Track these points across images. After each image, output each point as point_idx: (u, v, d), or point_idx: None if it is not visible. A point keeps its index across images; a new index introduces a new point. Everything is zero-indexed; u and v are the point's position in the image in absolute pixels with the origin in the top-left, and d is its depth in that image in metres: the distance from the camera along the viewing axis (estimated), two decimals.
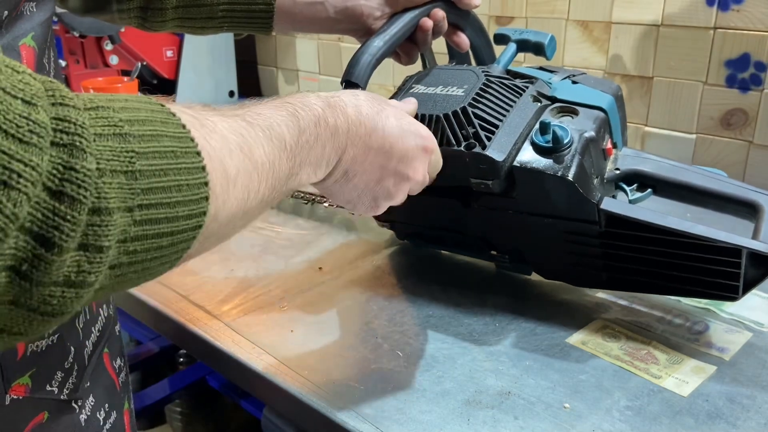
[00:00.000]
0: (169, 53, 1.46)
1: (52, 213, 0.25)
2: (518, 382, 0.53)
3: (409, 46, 0.70)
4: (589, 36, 1.05)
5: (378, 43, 0.63)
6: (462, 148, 0.58)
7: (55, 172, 0.25)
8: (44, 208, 0.25)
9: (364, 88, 0.61)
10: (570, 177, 0.56)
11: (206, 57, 1.52)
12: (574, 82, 0.65)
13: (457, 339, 0.59)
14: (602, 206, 0.57)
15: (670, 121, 1.00)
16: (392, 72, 1.23)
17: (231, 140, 0.36)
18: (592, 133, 0.59)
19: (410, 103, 0.57)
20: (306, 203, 0.92)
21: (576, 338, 0.59)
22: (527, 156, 0.58)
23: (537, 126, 0.59)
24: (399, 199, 0.51)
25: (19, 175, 0.24)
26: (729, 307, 0.64)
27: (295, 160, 0.42)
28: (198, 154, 0.32)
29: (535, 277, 0.69)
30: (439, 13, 0.68)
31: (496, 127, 0.59)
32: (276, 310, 0.65)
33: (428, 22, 0.67)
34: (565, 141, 0.57)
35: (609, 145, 0.63)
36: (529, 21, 1.11)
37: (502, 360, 0.56)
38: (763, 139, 0.92)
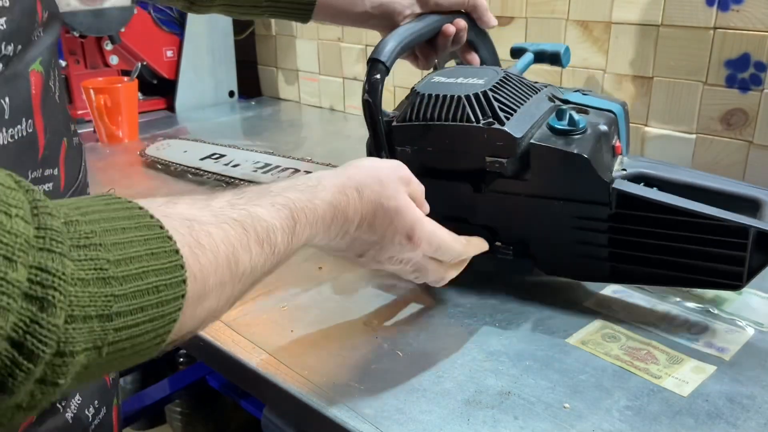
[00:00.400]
0: (169, 53, 1.46)
1: (10, 362, 0.26)
2: (518, 382, 0.53)
3: (427, 49, 0.75)
4: (589, 36, 1.05)
5: (404, 31, 0.69)
6: (481, 125, 0.61)
7: (21, 324, 0.26)
8: (4, 356, 0.25)
9: (389, 68, 0.66)
10: (586, 154, 0.59)
11: (206, 57, 1.52)
12: (584, 94, 0.69)
13: (457, 339, 0.59)
14: (615, 185, 0.60)
15: (670, 121, 1.00)
16: (392, 76, 1.23)
17: (221, 254, 0.37)
18: (605, 127, 0.62)
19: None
20: None
21: (576, 338, 0.59)
22: (543, 136, 0.61)
23: (553, 114, 0.62)
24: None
25: None
26: (729, 307, 0.64)
27: (285, 253, 0.43)
28: (183, 282, 0.33)
29: (535, 277, 0.69)
30: (462, 22, 0.73)
31: (514, 111, 0.62)
32: (276, 310, 0.65)
33: (451, 28, 0.72)
34: (581, 125, 0.60)
35: (618, 145, 0.65)
36: (529, 21, 1.11)
37: (501, 360, 0.56)
38: (763, 139, 0.92)
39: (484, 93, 0.62)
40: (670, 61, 0.98)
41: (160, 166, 1.08)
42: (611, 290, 0.67)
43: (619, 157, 0.65)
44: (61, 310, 0.27)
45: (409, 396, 0.52)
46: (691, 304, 0.64)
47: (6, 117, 0.40)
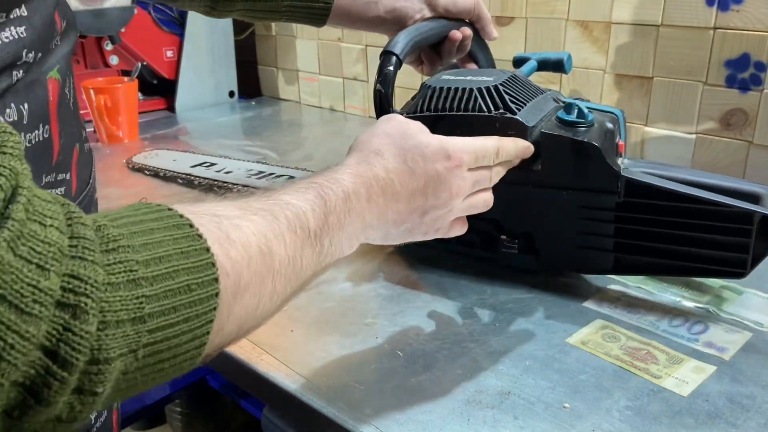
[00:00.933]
0: (169, 53, 1.46)
1: (44, 371, 0.26)
2: (518, 382, 0.53)
3: (432, 54, 0.77)
4: (589, 36, 1.05)
5: (415, 29, 0.71)
6: (494, 113, 0.63)
7: (54, 332, 0.26)
8: (38, 366, 0.25)
9: (402, 61, 0.68)
10: (596, 143, 0.61)
11: (206, 57, 1.52)
12: (583, 101, 0.70)
13: (457, 339, 0.59)
14: (624, 173, 0.61)
15: (669, 121, 1.00)
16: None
17: (252, 245, 0.36)
18: (610, 125, 0.63)
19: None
20: None
21: (576, 338, 0.59)
22: (553, 127, 0.63)
23: (564, 105, 0.64)
24: (451, 228, 0.54)
25: (12, 347, 0.24)
26: (729, 307, 0.64)
27: (322, 244, 0.42)
28: (215, 280, 0.32)
29: (535, 278, 0.69)
30: (468, 30, 0.75)
31: (524, 104, 0.64)
32: None
33: (457, 34, 0.74)
34: (590, 119, 0.62)
35: (620, 144, 0.66)
36: (528, 21, 1.11)
37: (501, 360, 0.56)
38: (763, 140, 0.92)
39: (495, 87, 0.64)
40: (670, 61, 0.98)
41: (147, 173, 1.07)
42: (612, 290, 0.68)
43: (620, 158, 0.65)
44: (94, 317, 0.27)
45: (409, 396, 0.52)
46: (691, 304, 0.64)
47: (24, 122, 0.41)
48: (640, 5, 0.99)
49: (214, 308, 0.32)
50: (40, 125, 0.43)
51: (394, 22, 0.74)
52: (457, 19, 0.75)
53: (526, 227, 0.68)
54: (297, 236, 0.39)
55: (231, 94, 1.59)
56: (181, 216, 0.33)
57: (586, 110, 0.62)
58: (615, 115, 0.67)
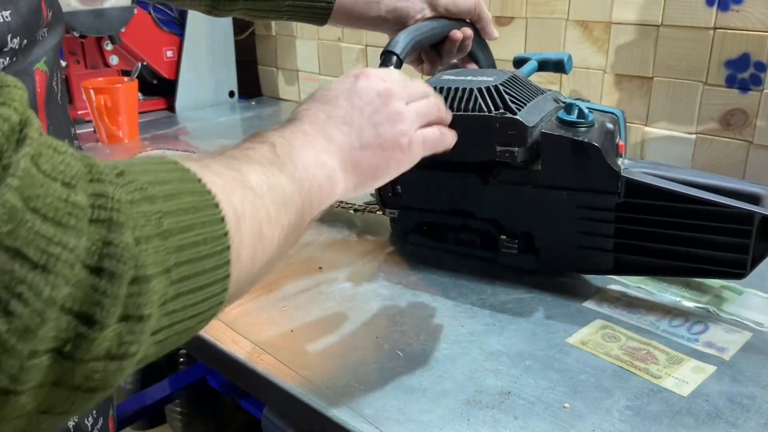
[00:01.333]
0: (169, 53, 1.46)
1: (92, 290, 0.25)
2: (518, 382, 0.53)
3: (433, 54, 0.77)
4: (589, 36, 1.05)
5: (416, 29, 0.71)
6: (494, 113, 0.63)
7: (94, 249, 0.25)
8: (84, 285, 0.25)
9: (402, 59, 0.68)
10: (596, 143, 0.61)
11: (206, 57, 1.52)
12: (583, 101, 0.70)
13: (457, 339, 0.59)
14: (624, 174, 0.61)
15: (669, 121, 1.00)
16: None
17: (227, 177, 0.36)
18: (610, 125, 0.63)
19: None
20: None
21: (576, 338, 0.59)
22: (553, 127, 0.63)
23: (564, 105, 0.64)
24: (412, 143, 0.51)
25: (57, 258, 0.24)
26: (729, 307, 0.64)
27: (286, 167, 0.42)
28: (216, 206, 0.33)
29: (535, 278, 0.69)
30: (468, 30, 0.75)
31: (524, 105, 0.64)
32: (276, 310, 0.65)
33: (458, 34, 0.74)
34: (590, 119, 0.62)
35: (621, 145, 0.66)
36: (528, 21, 1.11)
37: (501, 360, 0.56)
38: (763, 140, 0.92)
39: (495, 87, 0.64)
40: (670, 61, 0.98)
41: None
42: (612, 290, 0.68)
43: (620, 159, 0.66)
44: (129, 230, 0.27)
45: (409, 396, 0.52)
46: (691, 305, 0.64)
47: None
48: (640, 5, 0.99)
49: (226, 233, 0.33)
50: None
51: (395, 22, 0.74)
52: (458, 19, 0.76)
53: (526, 227, 0.68)
54: (261, 166, 0.40)
55: (231, 94, 1.59)
56: (173, 161, 0.34)
57: (586, 110, 0.62)
58: (615, 115, 0.67)
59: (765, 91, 0.90)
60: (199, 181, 0.33)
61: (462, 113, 0.64)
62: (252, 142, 0.43)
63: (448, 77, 0.68)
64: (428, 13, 0.74)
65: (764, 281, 0.67)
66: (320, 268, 0.74)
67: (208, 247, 0.32)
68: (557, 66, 0.75)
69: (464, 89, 0.65)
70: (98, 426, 0.52)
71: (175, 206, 0.30)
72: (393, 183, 0.73)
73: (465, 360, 0.56)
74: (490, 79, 0.66)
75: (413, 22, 0.74)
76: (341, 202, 0.89)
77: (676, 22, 0.96)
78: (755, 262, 0.59)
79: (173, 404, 1.37)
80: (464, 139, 0.65)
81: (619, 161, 0.65)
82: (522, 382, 0.53)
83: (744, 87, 0.92)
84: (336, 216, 0.88)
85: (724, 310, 0.63)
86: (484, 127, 0.64)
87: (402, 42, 0.69)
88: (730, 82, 0.93)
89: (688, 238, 0.61)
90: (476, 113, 0.64)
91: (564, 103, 0.68)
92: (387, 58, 0.68)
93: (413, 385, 0.53)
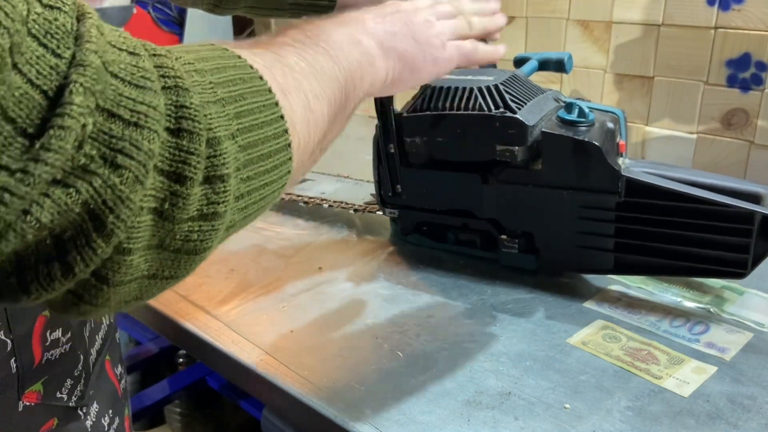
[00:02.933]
0: None
1: (177, 149, 0.27)
2: (518, 383, 0.53)
3: None
4: (589, 36, 1.05)
5: None
6: (494, 113, 0.63)
7: (170, 112, 0.27)
8: (169, 146, 0.27)
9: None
10: (597, 143, 0.60)
11: None
12: (584, 101, 0.70)
13: (457, 339, 0.59)
14: (624, 173, 0.61)
15: (670, 121, 1.00)
16: None
17: (267, 59, 0.37)
18: (611, 124, 0.63)
19: None
20: (305, 204, 0.92)
21: (576, 339, 0.59)
22: (554, 126, 0.63)
23: (564, 104, 0.64)
24: (445, 46, 0.52)
25: (146, 116, 0.25)
26: (730, 308, 0.64)
27: (318, 48, 0.41)
28: (261, 78, 0.33)
29: (535, 278, 0.69)
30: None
31: (524, 104, 0.64)
32: (276, 310, 0.65)
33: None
34: (590, 118, 0.62)
35: (621, 144, 0.66)
36: (529, 20, 1.11)
37: (502, 360, 0.56)
38: (764, 139, 0.92)
39: (496, 86, 0.64)
40: (670, 60, 0.97)
41: None
42: (612, 290, 0.67)
43: (621, 158, 0.65)
44: (196, 94, 0.28)
45: (409, 396, 0.52)
46: (691, 305, 0.64)
47: None
48: (640, 5, 0.98)
49: (276, 102, 0.33)
50: None
51: None
52: None
53: (526, 227, 0.68)
54: (294, 49, 0.40)
55: None
56: (210, 43, 0.34)
57: (586, 109, 0.62)
58: (616, 114, 0.67)
59: (766, 90, 0.90)
60: (239, 57, 0.33)
61: (462, 112, 0.64)
62: (282, 30, 0.43)
63: (449, 76, 0.68)
64: None
65: (765, 281, 0.67)
66: (320, 268, 0.74)
67: (263, 115, 0.32)
68: (558, 65, 0.75)
69: (464, 88, 0.65)
70: (114, 426, 0.52)
71: (223, 78, 0.31)
72: (393, 183, 0.73)
73: (465, 360, 0.56)
74: (490, 78, 0.66)
75: None
76: (341, 201, 0.89)
77: (677, 22, 0.96)
78: (756, 262, 0.59)
79: (173, 404, 1.37)
80: (465, 139, 0.65)
81: (620, 161, 0.65)
82: (522, 382, 0.53)
83: (745, 87, 0.91)
84: (336, 216, 0.88)
85: (725, 311, 0.63)
86: (484, 126, 0.63)
87: None
88: (731, 81, 0.92)
89: (689, 238, 0.61)
90: (476, 112, 0.64)
91: (564, 102, 0.68)
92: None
93: (413, 385, 0.53)
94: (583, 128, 0.62)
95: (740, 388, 0.52)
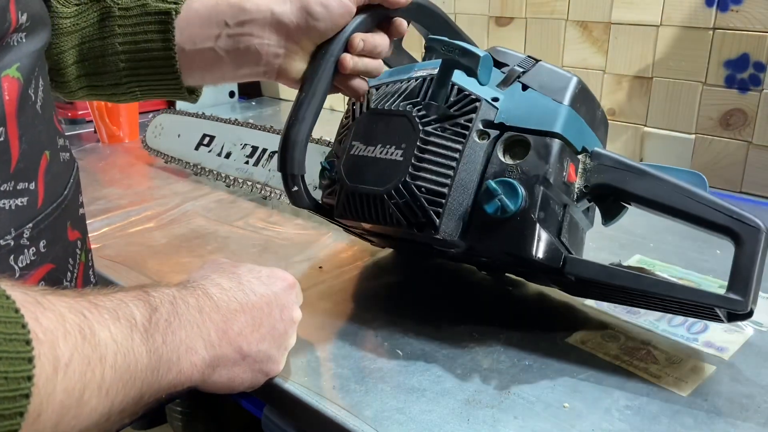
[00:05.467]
0: None
1: None
2: (518, 382, 0.53)
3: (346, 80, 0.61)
4: (588, 36, 1.06)
5: (300, 127, 0.57)
6: (413, 230, 0.55)
7: None
8: None
9: (305, 173, 0.59)
10: (536, 255, 0.52)
11: None
12: (524, 87, 0.56)
13: (456, 338, 0.59)
14: (567, 270, 0.53)
15: (669, 121, 1.00)
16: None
17: (69, 320, 0.32)
18: (549, 180, 0.53)
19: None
20: None
21: (575, 338, 0.59)
22: (481, 228, 0.54)
23: (483, 188, 0.53)
24: (292, 341, 0.54)
25: None
26: None
27: (154, 339, 0.38)
28: (27, 342, 0.29)
29: None
30: (358, 41, 0.57)
31: (444, 196, 0.54)
32: None
33: (348, 62, 0.57)
34: (514, 208, 0.52)
35: (571, 172, 0.55)
36: (528, 21, 1.12)
37: (501, 359, 0.56)
38: (762, 140, 0.92)
39: (405, 184, 0.54)
40: (669, 61, 0.98)
41: (160, 156, 1.10)
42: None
43: (581, 161, 0.56)
44: None
45: (409, 396, 0.52)
46: None
47: None
48: (639, 6, 0.99)
49: (28, 377, 0.29)
50: None
51: (254, 64, 0.59)
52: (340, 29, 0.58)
53: (497, 271, 0.67)
54: (122, 324, 0.36)
55: (231, 94, 1.59)
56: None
57: (508, 202, 0.52)
58: (557, 135, 0.53)
59: (764, 91, 0.90)
60: (17, 311, 0.29)
61: (381, 227, 0.59)
62: (136, 294, 0.39)
63: (359, 151, 0.58)
64: (291, 44, 0.58)
65: (764, 281, 0.67)
66: (320, 268, 0.74)
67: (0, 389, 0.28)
68: (468, 72, 0.54)
69: (374, 197, 0.56)
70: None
71: None
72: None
73: (465, 359, 0.56)
74: (398, 158, 0.55)
75: (276, 58, 0.59)
76: None
77: (676, 23, 0.96)
78: (732, 318, 0.53)
79: (173, 404, 1.37)
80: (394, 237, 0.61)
81: (580, 165, 0.56)
82: (522, 381, 0.53)
83: (743, 87, 0.92)
84: None
85: None
86: (414, 237, 0.57)
87: (297, 159, 0.58)
88: (730, 82, 0.93)
89: (657, 304, 0.56)
90: (396, 228, 0.56)
91: (494, 128, 0.55)
92: (290, 180, 0.59)
93: (413, 385, 0.53)
94: (515, 219, 0.52)
95: (739, 387, 0.52)
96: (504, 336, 0.60)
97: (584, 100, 0.57)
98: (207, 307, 0.44)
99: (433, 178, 0.54)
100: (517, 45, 1.13)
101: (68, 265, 0.50)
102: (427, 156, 0.55)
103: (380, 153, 0.57)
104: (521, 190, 0.52)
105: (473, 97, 0.56)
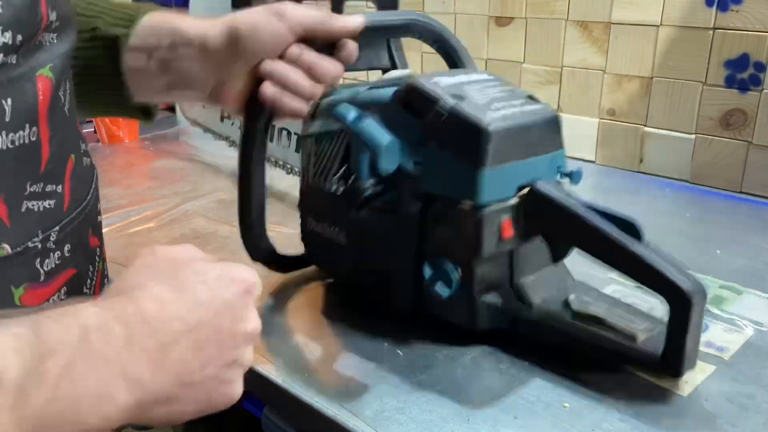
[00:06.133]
0: None
1: None
2: (518, 381, 0.53)
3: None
4: (588, 36, 1.06)
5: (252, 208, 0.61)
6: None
7: None
8: None
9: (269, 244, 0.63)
10: (480, 326, 0.56)
11: None
12: (442, 146, 0.52)
13: (456, 338, 0.59)
14: (519, 330, 0.56)
15: (669, 121, 1.00)
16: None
17: None
18: (481, 251, 0.51)
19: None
20: None
21: None
22: (432, 299, 0.56)
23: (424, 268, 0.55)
24: (249, 358, 0.43)
25: None
26: (729, 307, 0.64)
27: (33, 400, 0.29)
28: None
29: None
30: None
31: (391, 276, 0.59)
32: (276, 310, 0.65)
33: (267, 90, 0.55)
34: (452, 289, 0.54)
35: (506, 227, 0.52)
36: (528, 21, 1.12)
37: (501, 359, 0.56)
38: (762, 140, 0.92)
39: (355, 267, 0.57)
40: (669, 61, 0.98)
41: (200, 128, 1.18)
42: (610, 290, 0.68)
43: (514, 208, 0.53)
44: None
45: (409, 396, 0.52)
46: None
47: (6, 119, 0.38)
48: (639, 6, 0.99)
49: None
50: (26, 126, 0.39)
51: (186, 88, 0.59)
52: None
53: None
54: (13, 355, 0.29)
55: None
56: None
57: (440, 288, 0.53)
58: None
59: (764, 91, 0.90)
60: None
61: None
62: (22, 334, 0.30)
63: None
64: (219, 72, 0.57)
65: (764, 281, 0.67)
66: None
67: None
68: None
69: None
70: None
71: None
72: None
73: (465, 359, 0.56)
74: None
75: (209, 86, 0.59)
76: None
77: (676, 23, 0.96)
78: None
79: None
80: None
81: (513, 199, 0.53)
82: (522, 381, 0.53)
83: (743, 87, 0.92)
84: None
85: (724, 310, 0.63)
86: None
87: (259, 241, 0.62)
88: (730, 82, 0.93)
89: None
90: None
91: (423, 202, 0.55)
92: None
93: (413, 385, 0.53)
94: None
95: (739, 387, 0.52)
96: (504, 336, 0.60)
97: (506, 140, 0.51)
98: (139, 334, 0.35)
99: (376, 260, 0.57)
100: (517, 45, 1.13)
101: (89, 272, 0.49)
102: (364, 239, 0.58)
103: (329, 234, 0.62)
104: (454, 275, 0.53)
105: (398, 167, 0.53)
